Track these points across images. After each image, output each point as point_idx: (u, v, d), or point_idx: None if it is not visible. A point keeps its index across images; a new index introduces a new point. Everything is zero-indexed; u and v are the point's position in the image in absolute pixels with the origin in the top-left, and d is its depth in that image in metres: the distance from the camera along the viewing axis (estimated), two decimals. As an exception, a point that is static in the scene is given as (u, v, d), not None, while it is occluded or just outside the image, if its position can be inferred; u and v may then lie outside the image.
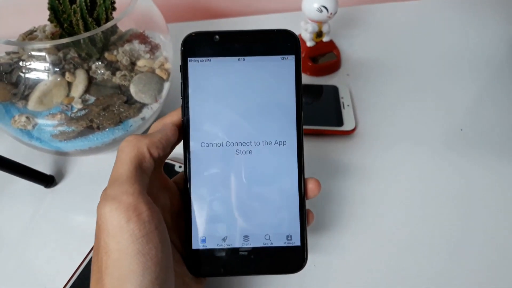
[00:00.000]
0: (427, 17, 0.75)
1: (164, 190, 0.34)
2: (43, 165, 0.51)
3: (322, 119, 0.53)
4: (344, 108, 0.55)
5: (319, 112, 0.55)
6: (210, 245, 0.32)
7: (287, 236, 0.32)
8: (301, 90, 0.33)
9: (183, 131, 0.32)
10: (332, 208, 0.46)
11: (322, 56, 0.63)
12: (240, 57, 0.32)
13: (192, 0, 0.77)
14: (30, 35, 0.51)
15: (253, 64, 0.32)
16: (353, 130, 0.53)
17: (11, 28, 0.53)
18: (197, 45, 0.32)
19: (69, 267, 0.41)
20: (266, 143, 0.32)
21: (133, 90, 0.47)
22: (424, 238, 0.43)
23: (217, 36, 0.32)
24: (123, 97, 0.47)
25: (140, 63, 0.49)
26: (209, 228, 0.32)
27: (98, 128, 0.46)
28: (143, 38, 0.51)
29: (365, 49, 0.68)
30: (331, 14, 0.58)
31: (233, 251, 0.32)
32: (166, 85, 0.51)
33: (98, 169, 0.51)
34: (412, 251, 0.42)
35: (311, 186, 0.33)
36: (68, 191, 0.49)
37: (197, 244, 0.32)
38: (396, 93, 0.60)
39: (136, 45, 0.50)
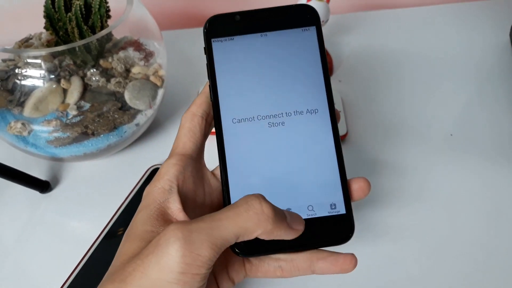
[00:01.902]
0: (418, 24, 0.76)
1: (204, 181, 0.33)
2: (39, 171, 0.51)
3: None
4: (336, 114, 0.56)
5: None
6: None
7: (331, 205, 0.31)
8: (326, 58, 0.33)
9: (213, 112, 0.32)
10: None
11: (314, 63, 0.64)
12: (262, 33, 0.33)
13: (186, 7, 0.78)
14: (26, 43, 0.52)
15: (276, 38, 0.33)
16: (345, 135, 0.53)
17: (7, 36, 0.53)
18: (219, 26, 0.33)
19: (64, 272, 0.41)
20: (297, 113, 0.32)
21: (127, 96, 0.48)
22: (414, 242, 0.44)
23: (238, 16, 0.33)
24: (117, 104, 0.48)
25: (134, 70, 0.50)
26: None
27: (93, 134, 0.47)
28: (137, 46, 0.51)
29: (357, 56, 0.69)
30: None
31: None
32: (160, 92, 0.52)
33: (93, 175, 0.51)
34: (403, 255, 0.43)
35: (356, 187, 0.31)
36: (63, 196, 0.50)
37: None
38: (387, 99, 0.61)
39: (131, 52, 0.50)
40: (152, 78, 0.50)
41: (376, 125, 0.57)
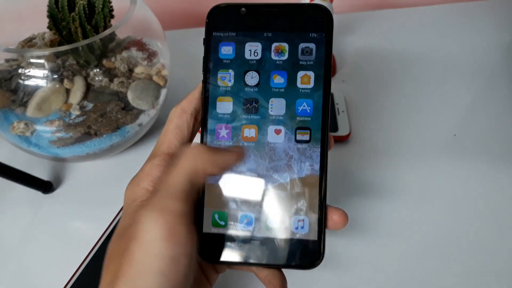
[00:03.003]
0: (421, 24, 0.75)
1: None
2: (41, 171, 0.51)
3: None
4: (339, 114, 0.56)
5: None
6: (221, 230, 0.30)
7: (303, 229, 0.30)
8: (331, 67, 0.31)
9: (202, 107, 0.31)
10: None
11: (317, 63, 0.64)
12: (267, 32, 0.31)
13: (189, 7, 0.78)
14: (29, 43, 0.52)
15: (280, 40, 0.31)
16: (348, 135, 0.53)
17: (11, 36, 0.53)
18: (223, 18, 0.31)
19: (67, 272, 0.41)
20: (287, 129, 0.31)
21: (130, 96, 0.48)
22: (419, 241, 0.44)
23: (243, 9, 0.31)
24: (120, 104, 0.47)
25: (137, 70, 0.49)
26: (221, 212, 0.31)
27: (95, 134, 0.47)
28: (140, 46, 0.51)
29: (360, 56, 0.69)
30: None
31: (245, 239, 0.30)
32: (163, 92, 0.51)
33: (96, 175, 0.51)
34: (407, 254, 0.43)
35: (335, 218, 0.30)
36: (65, 196, 0.49)
37: (208, 228, 0.30)
38: (390, 99, 0.61)
39: (134, 52, 0.50)
40: (155, 78, 0.50)
41: (379, 125, 0.57)
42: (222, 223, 0.31)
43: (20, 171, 0.47)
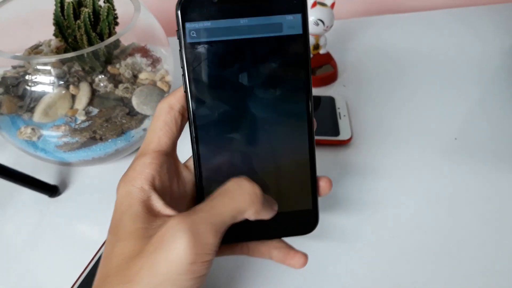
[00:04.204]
0: (422, 29, 0.76)
1: (178, 176, 0.33)
2: (48, 175, 0.52)
3: (319, 129, 0.54)
4: (340, 118, 0.57)
5: (316, 122, 0.56)
6: None
7: (300, 201, 0.33)
8: (309, 51, 0.31)
9: (186, 103, 0.30)
10: (328, 217, 0.47)
11: (319, 68, 0.65)
12: (242, 19, 0.29)
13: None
14: (35, 49, 0.53)
15: (257, 24, 0.30)
16: (349, 139, 0.54)
17: (18, 42, 0.54)
18: (195, 7, 0.29)
19: (72, 275, 0.42)
20: (274, 112, 0.31)
21: (135, 102, 0.49)
22: (421, 245, 0.44)
23: None
24: (125, 109, 0.48)
25: (142, 76, 0.50)
26: None
27: (101, 139, 0.48)
28: (144, 52, 0.52)
29: (361, 61, 0.69)
30: (327, 27, 0.59)
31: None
32: (167, 97, 0.52)
33: (101, 179, 0.52)
34: (409, 258, 0.43)
35: (322, 184, 0.33)
36: (72, 200, 0.50)
37: None
38: (391, 103, 0.61)
39: (138, 58, 0.51)
40: (159, 84, 0.51)
41: (381, 129, 0.57)
42: None
43: (27, 175, 0.47)
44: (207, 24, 0.29)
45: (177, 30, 0.29)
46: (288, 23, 0.30)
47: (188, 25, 0.29)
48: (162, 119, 0.31)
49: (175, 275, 0.25)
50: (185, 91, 0.30)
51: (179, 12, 0.29)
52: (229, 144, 0.31)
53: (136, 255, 0.26)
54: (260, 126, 0.31)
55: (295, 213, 0.32)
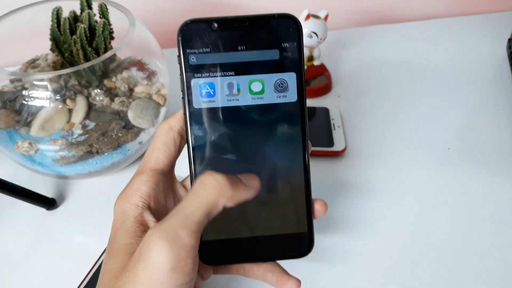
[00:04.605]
0: (415, 38, 0.77)
1: (174, 194, 0.34)
2: (45, 188, 0.52)
3: (313, 140, 0.55)
4: (334, 129, 0.57)
5: (311, 133, 0.56)
6: (215, 234, 0.31)
7: (295, 223, 0.33)
8: (304, 77, 0.32)
9: (185, 126, 0.31)
10: (322, 227, 0.47)
11: (313, 79, 0.65)
12: (240, 45, 0.31)
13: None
14: (33, 64, 0.54)
15: (254, 53, 0.31)
16: (343, 150, 0.55)
17: (16, 56, 0.55)
18: (195, 34, 0.30)
19: (70, 287, 0.42)
20: (270, 135, 0.32)
21: (131, 115, 0.49)
22: (416, 254, 0.45)
23: (215, 24, 0.30)
24: (121, 123, 0.49)
25: (137, 89, 0.51)
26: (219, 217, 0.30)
27: (97, 152, 0.48)
28: (140, 66, 0.53)
29: (355, 71, 0.70)
30: (321, 39, 0.60)
31: (242, 239, 0.32)
32: (163, 110, 0.53)
33: (98, 192, 0.53)
34: (404, 266, 0.44)
35: (318, 207, 0.33)
36: (69, 213, 0.51)
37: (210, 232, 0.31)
38: (386, 114, 0.62)
39: (134, 72, 0.52)
40: (155, 97, 0.52)
41: (375, 139, 0.58)
42: (215, 224, 0.31)
43: (25, 189, 0.48)
44: (206, 49, 0.31)
45: (178, 56, 0.30)
46: (284, 50, 0.31)
47: (188, 50, 0.30)
48: (162, 139, 0.32)
49: (157, 283, 0.25)
50: (184, 114, 0.31)
51: (180, 38, 0.30)
52: (225, 166, 0.32)
53: (121, 271, 0.27)
54: (256, 149, 0.32)
55: (290, 236, 0.33)
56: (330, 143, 0.55)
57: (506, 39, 0.73)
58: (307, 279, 0.43)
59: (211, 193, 0.27)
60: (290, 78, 0.32)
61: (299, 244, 0.33)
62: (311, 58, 0.65)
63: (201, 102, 0.31)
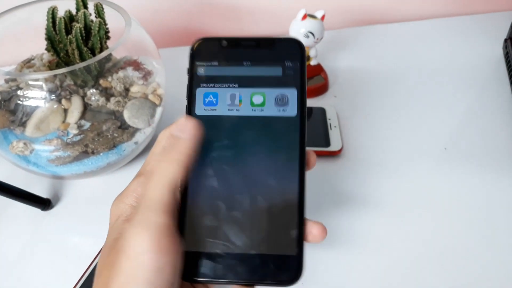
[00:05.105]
0: (412, 38, 0.77)
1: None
2: (40, 189, 0.52)
3: (310, 140, 0.55)
4: (331, 129, 0.57)
5: (307, 133, 0.57)
6: (201, 248, 0.31)
7: (283, 244, 0.31)
8: (305, 94, 0.33)
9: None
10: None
11: (310, 79, 0.65)
12: (246, 61, 0.33)
13: (182, 26, 0.79)
14: (28, 63, 0.53)
15: (258, 69, 0.33)
16: (340, 150, 0.54)
17: (11, 56, 0.55)
18: (206, 49, 0.33)
19: (66, 287, 0.42)
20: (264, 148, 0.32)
21: (126, 115, 0.49)
22: (411, 254, 0.45)
23: (224, 42, 0.33)
24: (117, 122, 0.49)
25: (133, 89, 0.51)
26: (202, 231, 0.31)
27: (92, 152, 0.48)
28: (136, 65, 0.53)
29: (352, 71, 0.70)
30: (317, 39, 0.60)
31: (225, 256, 0.31)
32: (159, 110, 0.53)
33: (93, 192, 0.53)
34: (398, 266, 0.44)
35: (315, 231, 0.31)
36: (64, 213, 0.51)
37: (190, 246, 0.31)
38: (382, 113, 0.62)
39: (130, 72, 0.52)
40: (150, 97, 0.52)
41: (371, 139, 0.58)
42: (201, 240, 0.31)
43: (20, 189, 0.48)
44: (215, 63, 0.33)
45: (187, 68, 0.33)
46: (287, 68, 0.33)
47: (198, 63, 0.33)
48: (162, 145, 0.32)
49: (140, 267, 0.26)
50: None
51: (191, 52, 0.33)
52: (217, 172, 0.32)
53: (105, 267, 0.28)
54: (251, 159, 0.32)
55: (276, 258, 0.31)
56: (327, 143, 0.55)
57: (502, 39, 0.73)
58: (303, 279, 0.43)
59: (167, 168, 0.29)
60: (291, 93, 0.33)
61: (286, 268, 0.31)
62: (307, 58, 0.64)
63: (203, 109, 0.32)
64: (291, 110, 0.33)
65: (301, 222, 0.32)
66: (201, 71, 0.33)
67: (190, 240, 0.31)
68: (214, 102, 0.33)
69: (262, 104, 0.33)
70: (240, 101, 0.33)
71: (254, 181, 0.32)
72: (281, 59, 0.33)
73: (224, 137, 0.32)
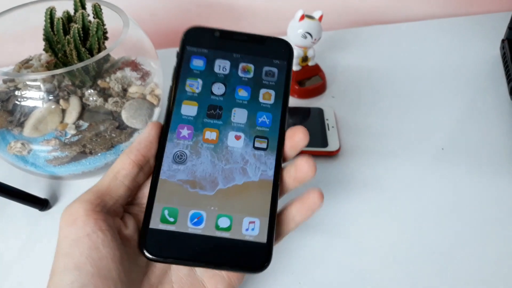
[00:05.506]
0: (409, 39, 0.77)
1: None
2: (38, 189, 0.52)
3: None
4: (329, 129, 0.57)
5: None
6: (170, 226, 0.30)
7: (253, 231, 0.31)
8: (289, 92, 0.35)
9: (165, 115, 0.34)
10: (316, 228, 0.47)
11: (308, 80, 0.65)
12: (236, 54, 0.35)
13: (180, 26, 0.79)
14: (26, 64, 0.53)
15: (247, 61, 0.36)
16: (337, 150, 0.55)
17: (9, 56, 0.55)
18: (198, 36, 0.36)
19: (63, 288, 0.42)
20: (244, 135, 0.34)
21: (124, 116, 0.49)
22: (407, 254, 0.45)
23: (217, 32, 0.36)
24: (115, 123, 0.49)
25: (131, 89, 0.51)
26: (171, 208, 0.31)
27: (90, 153, 0.48)
28: (134, 66, 0.53)
29: (350, 72, 0.70)
30: (315, 40, 0.60)
31: (194, 237, 0.30)
32: (157, 110, 0.53)
33: (91, 192, 0.52)
34: (396, 267, 0.44)
35: (313, 196, 0.35)
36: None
37: (156, 224, 0.30)
38: (380, 114, 0.62)
39: (128, 72, 0.52)
40: (148, 97, 0.52)
41: (369, 140, 0.58)
42: (172, 219, 0.31)
43: (17, 189, 0.48)
44: (204, 51, 0.36)
45: (177, 52, 0.36)
46: (274, 65, 0.36)
47: (188, 47, 0.36)
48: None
49: (58, 245, 0.30)
50: (169, 100, 0.34)
51: (183, 37, 0.36)
52: (190, 161, 0.33)
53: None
54: (232, 144, 0.33)
55: (244, 244, 0.31)
56: (324, 143, 0.55)
57: (499, 40, 0.73)
58: (301, 279, 0.43)
59: (119, 165, 0.33)
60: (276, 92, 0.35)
61: (253, 255, 0.30)
62: (305, 59, 0.65)
63: (187, 93, 0.35)
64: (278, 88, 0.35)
65: (273, 211, 0.32)
66: (190, 59, 0.35)
67: (159, 217, 0.31)
68: (197, 88, 0.35)
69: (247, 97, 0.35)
70: (224, 92, 0.35)
71: (227, 157, 0.33)
72: (270, 57, 0.36)
73: (203, 118, 0.34)
